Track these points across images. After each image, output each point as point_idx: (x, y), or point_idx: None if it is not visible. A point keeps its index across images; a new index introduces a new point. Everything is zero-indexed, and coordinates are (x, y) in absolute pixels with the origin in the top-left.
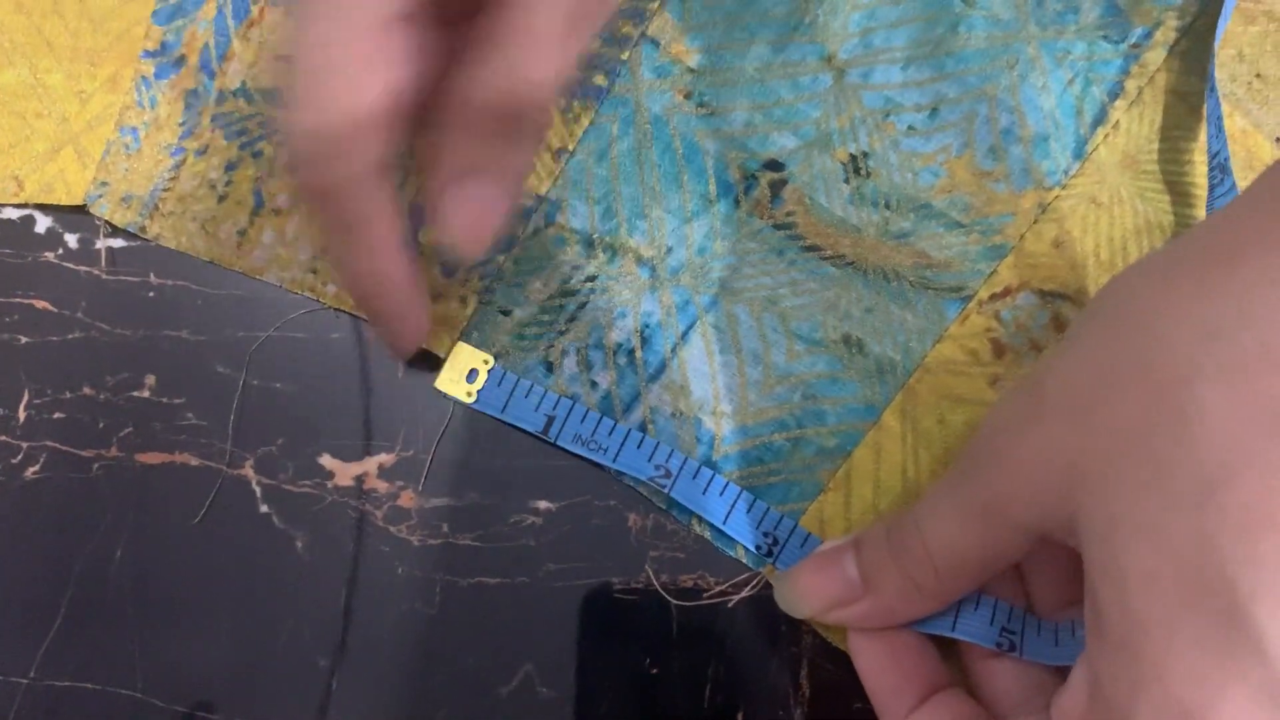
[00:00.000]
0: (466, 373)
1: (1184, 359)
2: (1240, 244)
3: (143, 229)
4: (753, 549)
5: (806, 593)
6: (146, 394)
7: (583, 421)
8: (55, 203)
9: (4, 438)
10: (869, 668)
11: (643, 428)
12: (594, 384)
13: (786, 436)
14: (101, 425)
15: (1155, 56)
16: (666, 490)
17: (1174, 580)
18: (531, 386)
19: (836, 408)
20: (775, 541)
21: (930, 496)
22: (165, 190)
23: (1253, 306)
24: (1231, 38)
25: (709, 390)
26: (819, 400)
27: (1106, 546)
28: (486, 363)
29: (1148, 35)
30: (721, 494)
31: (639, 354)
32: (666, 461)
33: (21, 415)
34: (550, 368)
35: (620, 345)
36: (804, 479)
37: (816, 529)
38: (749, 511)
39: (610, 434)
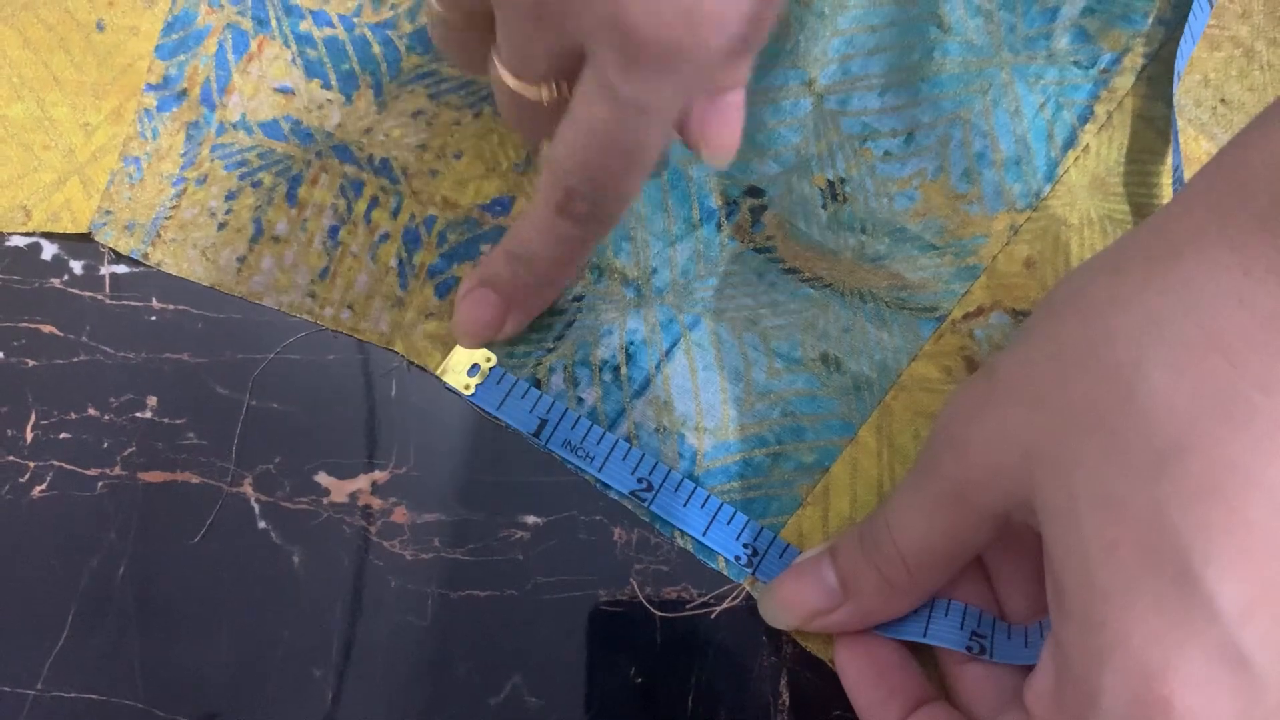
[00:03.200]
0: (469, 366)
1: (1134, 344)
2: (1181, 239)
3: (145, 256)
4: (733, 560)
5: (788, 604)
6: (149, 415)
7: (573, 428)
8: (61, 231)
9: (11, 457)
10: (856, 683)
11: (627, 442)
12: (580, 400)
13: (766, 452)
14: (105, 445)
15: (1124, 81)
16: (647, 504)
17: (1131, 549)
18: (528, 389)
19: (815, 424)
20: (755, 553)
21: (896, 494)
22: (167, 218)
23: (1194, 296)
24: (1197, 63)
25: (692, 407)
26: (798, 417)
27: (1066, 522)
28: (489, 360)
29: (1116, 61)
30: (702, 506)
31: (624, 370)
32: (649, 474)
33: (29, 435)
34: (538, 384)
35: (606, 362)
36: (783, 494)
37: (796, 542)
38: (729, 524)
39: (599, 443)
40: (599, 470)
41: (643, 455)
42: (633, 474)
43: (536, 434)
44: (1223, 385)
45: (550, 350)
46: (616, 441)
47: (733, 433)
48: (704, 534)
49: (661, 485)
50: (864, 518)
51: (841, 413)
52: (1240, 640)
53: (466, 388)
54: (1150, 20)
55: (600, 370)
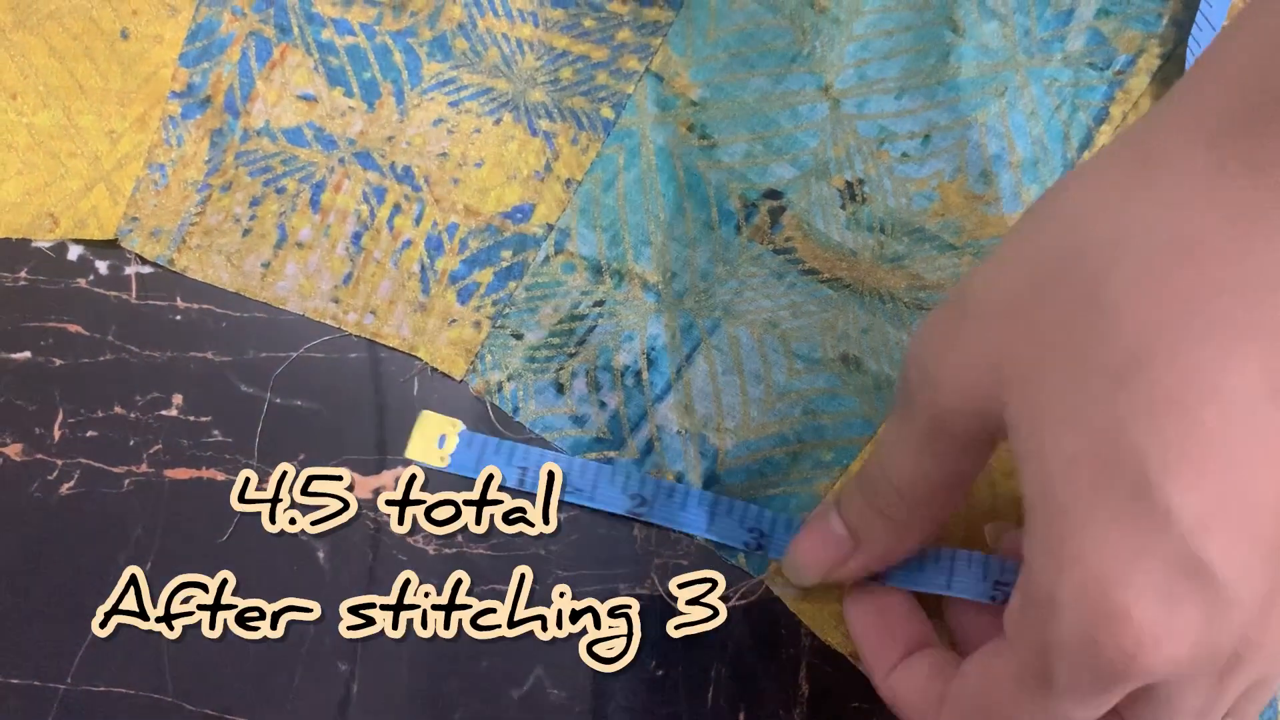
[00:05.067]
0: (436, 439)
1: (1104, 256)
2: (1159, 144)
3: (171, 262)
4: (742, 548)
5: (806, 561)
6: (174, 413)
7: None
8: (88, 238)
9: (39, 455)
10: (859, 628)
11: (649, 445)
12: (603, 404)
13: (786, 451)
14: (132, 443)
15: (1139, 83)
16: (645, 518)
17: (1091, 462)
18: (500, 444)
19: (835, 423)
20: (763, 535)
21: (884, 434)
22: (192, 224)
23: (1168, 200)
24: None
25: (713, 408)
26: (818, 416)
27: (1031, 439)
28: (455, 427)
29: (1131, 62)
30: (699, 505)
31: (645, 375)
32: (640, 490)
33: (56, 434)
34: (560, 389)
35: (628, 367)
36: (802, 491)
37: None
38: (729, 514)
39: (582, 474)
40: (591, 500)
41: (629, 473)
42: (624, 493)
43: (520, 482)
44: (1187, 292)
45: (572, 355)
46: (599, 467)
47: (753, 432)
48: (708, 529)
49: (655, 496)
50: (862, 465)
51: (862, 412)
52: (1200, 549)
53: (441, 460)
54: (1165, 21)
55: (622, 375)
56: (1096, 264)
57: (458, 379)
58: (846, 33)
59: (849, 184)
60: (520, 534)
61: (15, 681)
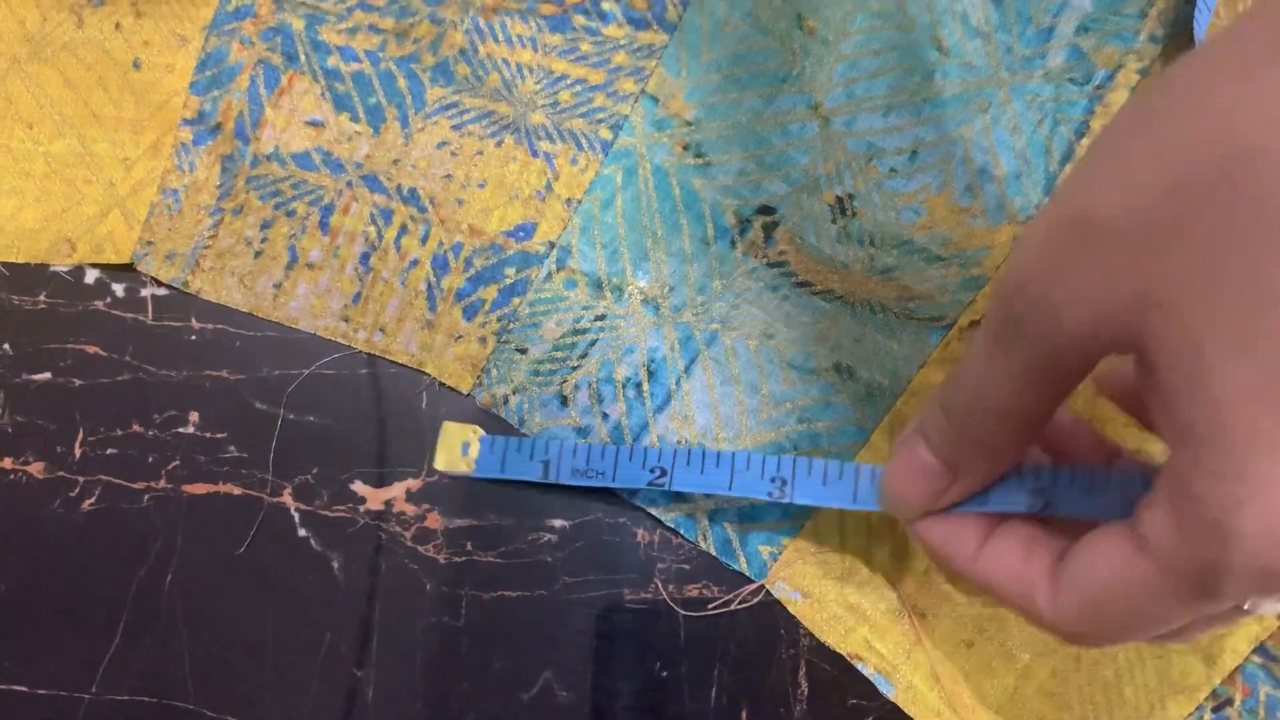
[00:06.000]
0: (460, 446)
1: (1274, 164)
2: None
3: (185, 284)
4: (766, 498)
5: (907, 498)
6: (191, 430)
7: (574, 455)
8: (105, 262)
9: (61, 473)
10: (927, 533)
11: (627, 446)
12: (605, 415)
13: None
14: (150, 460)
15: (1118, 97)
16: (666, 488)
17: (1274, 393)
18: (521, 442)
19: (829, 430)
20: (784, 482)
21: (976, 366)
22: (205, 247)
23: None
24: None
25: (711, 419)
26: (813, 424)
27: (1195, 368)
28: (475, 433)
29: (1110, 77)
30: (718, 465)
31: (646, 386)
32: (659, 462)
33: (77, 452)
34: (564, 401)
35: (629, 379)
36: None
37: (814, 541)
38: (748, 469)
39: (603, 457)
40: (613, 480)
41: (647, 448)
42: (644, 467)
43: (544, 475)
44: None
45: (575, 368)
46: (619, 449)
47: (750, 441)
48: (730, 488)
49: (674, 465)
50: (939, 395)
51: (855, 419)
52: None
53: (468, 466)
54: (1142, 37)
55: (624, 387)
56: (1265, 170)
57: (465, 393)
58: (835, 53)
59: (839, 199)
60: (531, 541)
61: (42, 692)
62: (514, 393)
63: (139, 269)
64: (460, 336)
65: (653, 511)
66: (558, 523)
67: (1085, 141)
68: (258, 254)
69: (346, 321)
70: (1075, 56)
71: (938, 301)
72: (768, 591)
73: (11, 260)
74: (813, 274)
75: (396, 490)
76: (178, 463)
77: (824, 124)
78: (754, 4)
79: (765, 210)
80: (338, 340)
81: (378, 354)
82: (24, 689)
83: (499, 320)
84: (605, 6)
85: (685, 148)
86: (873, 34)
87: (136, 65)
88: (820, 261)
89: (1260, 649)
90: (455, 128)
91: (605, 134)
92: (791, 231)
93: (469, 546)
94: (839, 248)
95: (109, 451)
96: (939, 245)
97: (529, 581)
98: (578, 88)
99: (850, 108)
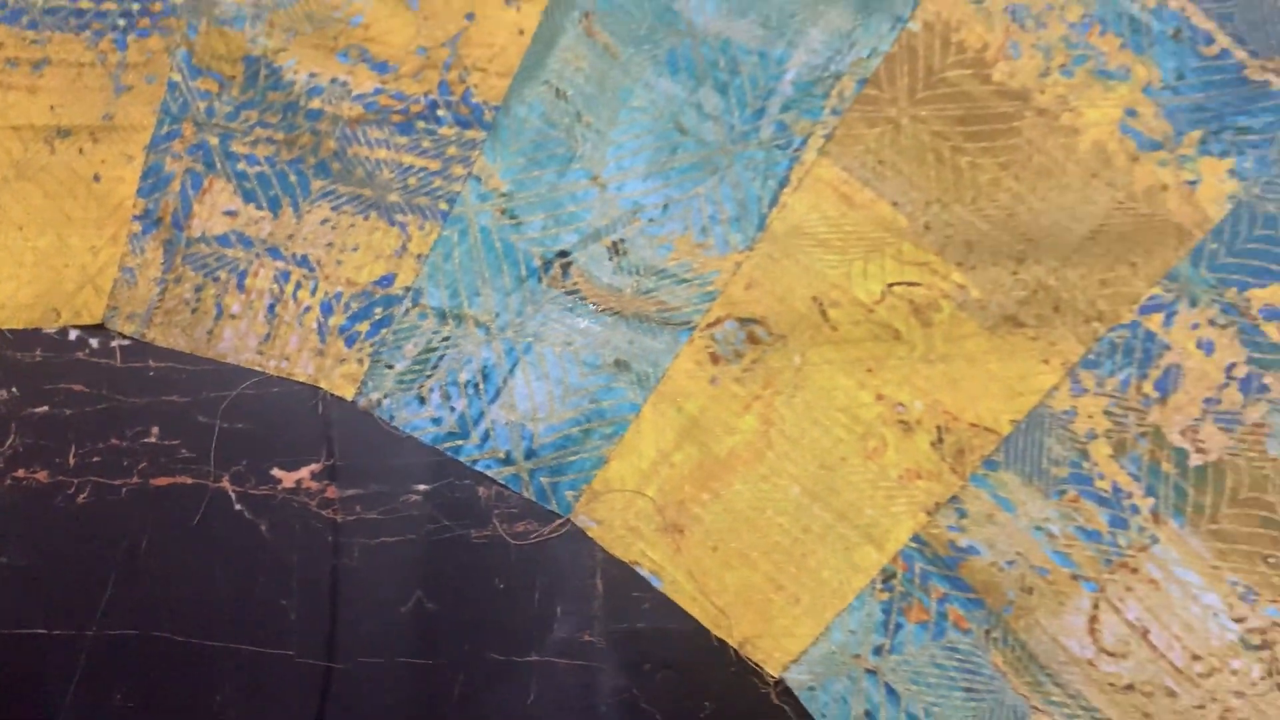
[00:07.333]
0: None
1: None
2: None
3: (143, 335)
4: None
5: None
6: (154, 439)
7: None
8: (83, 324)
9: (60, 477)
10: None
11: (486, 434)
12: (452, 409)
13: (580, 429)
14: (125, 463)
15: (810, 156)
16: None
17: None
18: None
19: (612, 406)
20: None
21: None
22: (156, 308)
23: None
24: (859, 138)
25: (529, 405)
26: (600, 403)
27: None
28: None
29: (804, 143)
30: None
31: (481, 386)
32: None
33: (71, 461)
34: (422, 400)
35: (469, 381)
36: (592, 455)
37: (603, 486)
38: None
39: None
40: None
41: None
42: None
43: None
44: None
45: (429, 376)
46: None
47: (556, 418)
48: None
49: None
50: None
51: (629, 398)
52: None
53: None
54: (826, 112)
55: (465, 387)
56: None
57: (349, 400)
58: (606, 138)
59: (614, 243)
60: (403, 500)
61: (57, 633)
62: (385, 397)
63: (108, 327)
64: (344, 360)
65: (489, 473)
66: (421, 486)
67: (787, 190)
68: (194, 310)
69: (261, 354)
70: (780, 129)
71: (685, 311)
72: (573, 523)
73: (13, 327)
74: (598, 298)
75: (304, 473)
76: (146, 463)
77: (601, 189)
78: (546, 107)
79: (562, 254)
80: (256, 368)
81: (285, 376)
82: (42, 631)
83: (371, 345)
84: (440, 114)
85: (503, 212)
86: (633, 123)
87: (96, 178)
88: (603, 289)
89: (915, 537)
90: (334, 208)
91: (444, 206)
92: (582, 269)
93: (358, 509)
94: (615, 277)
95: (95, 459)
96: (684, 271)
97: (404, 529)
98: (421, 174)
99: (619, 177)
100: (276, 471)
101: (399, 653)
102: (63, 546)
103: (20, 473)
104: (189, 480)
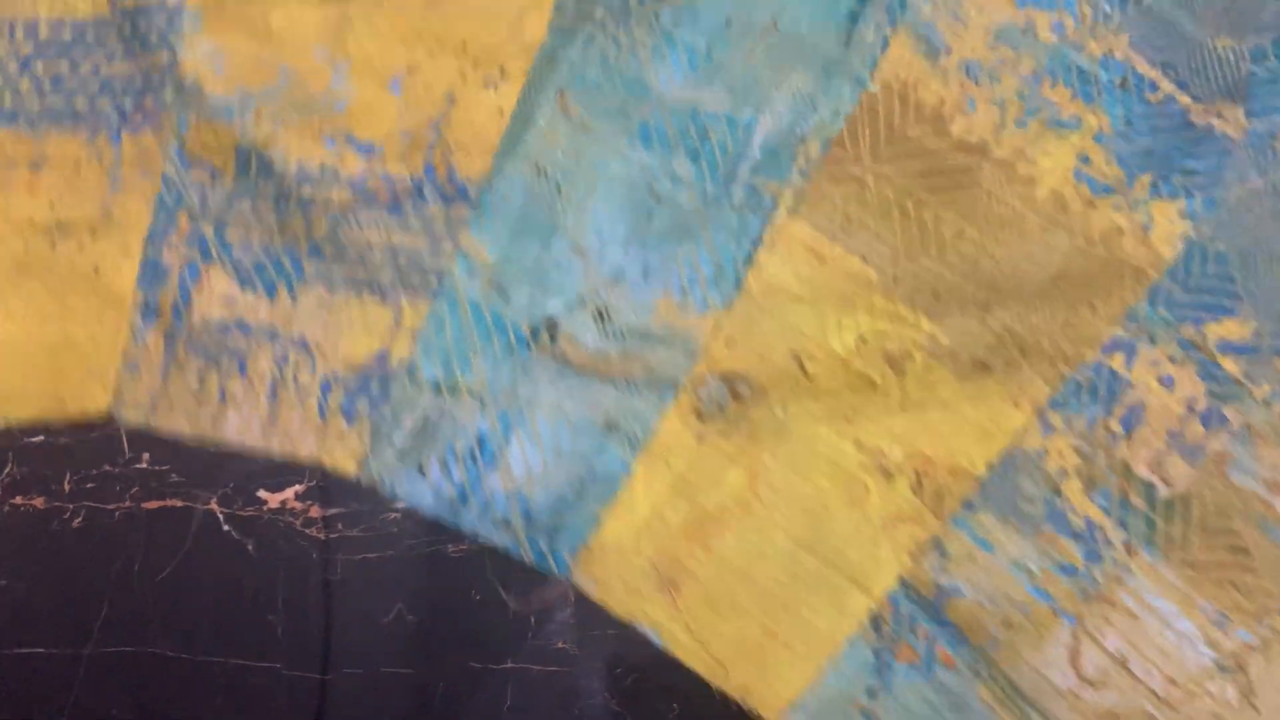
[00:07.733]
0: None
1: None
2: None
3: (149, 424)
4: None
5: None
6: (145, 465)
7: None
8: (89, 416)
9: (57, 503)
10: None
11: (485, 503)
12: (452, 479)
13: (574, 491)
14: (118, 488)
15: (781, 216)
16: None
17: None
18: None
19: (604, 467)
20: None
21: None
22: (160, 397)
23: None
24: (827, 195)
25: (524, 471)
26: (593, 464)
27: None
28: None
29: (775, 204)
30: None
31: (479, 455)
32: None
33: (67, 487)
34: (422, 472)
35: (466, 451)
36: (587, 516)
37: (598, 546)
38: None
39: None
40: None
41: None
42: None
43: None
44: None
45: (428, 448)
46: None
47: (552, 481)
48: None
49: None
50: None
51: (620, 457)
52: None
53: None
54: (794, 174)
55: (463, 457)
56: None
57: (351, 476)
58: (586, 209)
59: (599, 309)
60: (383, 519)
61: (55, 651)
62: (387, 471)
63: (115, 418)
64: (344, 436)
65: (489, 541)
66: (400, 505)
67: (761, 249)
68: (198, 397)
69: (265, 437)
70: (751, 192)
71: (669, 371)
72: (572, 584)
73: (19, 417)
74: (585, 363)
75: (288, 493)
76: (138, 488)
77: (584, 258)
78: (527, 181)
79: (550, 323)
80: (259, 451)
81: (288, 457)
82: (41, 650)
83: (370, 421)
84: (426, 192)
85: (490, 284)
86: (609, 196)
87: (97, 272)
88: (590, 353)
89: (901, 580)
90: (328, 289)
91: (434, 283)
92: (569, 335)
93: (340, 526)
94: (601, 342)
95: (89, 485)
96: (665, 331)
97: (383, 545)
98: (411, 252)
99: (599, 246)
100: (262, 493)
101: (382, 663)
102: (59, 569)
103: (18, 499)
104: (179, 503)
